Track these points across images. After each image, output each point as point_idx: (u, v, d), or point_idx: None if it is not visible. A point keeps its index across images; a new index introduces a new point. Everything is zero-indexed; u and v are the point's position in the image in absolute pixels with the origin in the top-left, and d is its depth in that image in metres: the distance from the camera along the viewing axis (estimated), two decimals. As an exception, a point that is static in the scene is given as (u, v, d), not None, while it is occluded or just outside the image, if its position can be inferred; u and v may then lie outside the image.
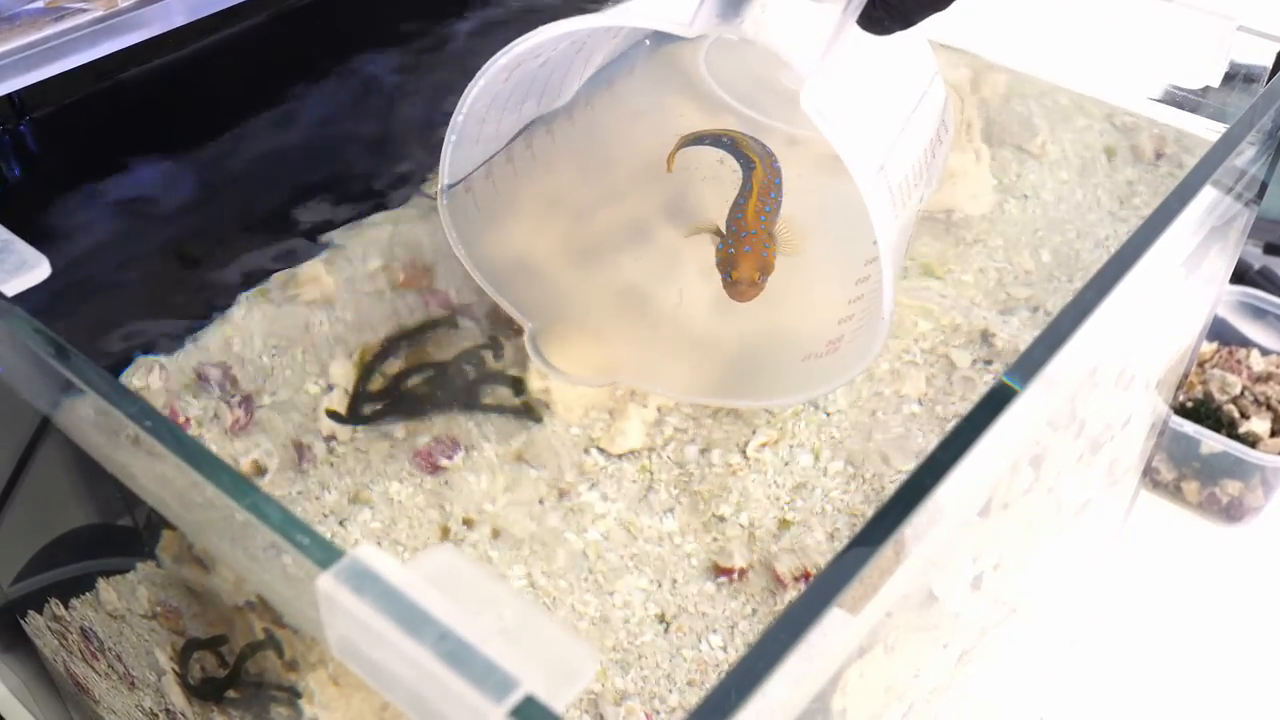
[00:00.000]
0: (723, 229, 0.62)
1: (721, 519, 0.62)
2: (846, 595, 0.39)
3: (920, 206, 0.62)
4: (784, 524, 0.61)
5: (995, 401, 0.43)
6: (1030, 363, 0.45)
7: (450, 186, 0.63)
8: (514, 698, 0.29)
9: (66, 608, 0.67)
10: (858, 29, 0.53)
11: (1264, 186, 0.65)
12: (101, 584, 0.63)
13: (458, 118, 0.61)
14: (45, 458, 0.59)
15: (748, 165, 0.64)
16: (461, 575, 0.33)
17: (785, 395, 0.63)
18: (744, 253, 0.59)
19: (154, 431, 0.36)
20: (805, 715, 0.49)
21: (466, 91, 0.60)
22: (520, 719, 0.29)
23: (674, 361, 0.64)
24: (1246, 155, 0.58)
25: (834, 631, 0.40)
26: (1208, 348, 1.11)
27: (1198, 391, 1.07)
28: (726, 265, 0.60)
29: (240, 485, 0.35)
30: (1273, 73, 0.67)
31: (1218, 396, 1.06)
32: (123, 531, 0.60)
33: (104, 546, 0.63)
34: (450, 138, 0.61)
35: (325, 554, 0.33)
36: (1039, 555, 0.69)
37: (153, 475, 0.40)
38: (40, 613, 0.70)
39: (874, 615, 0.44)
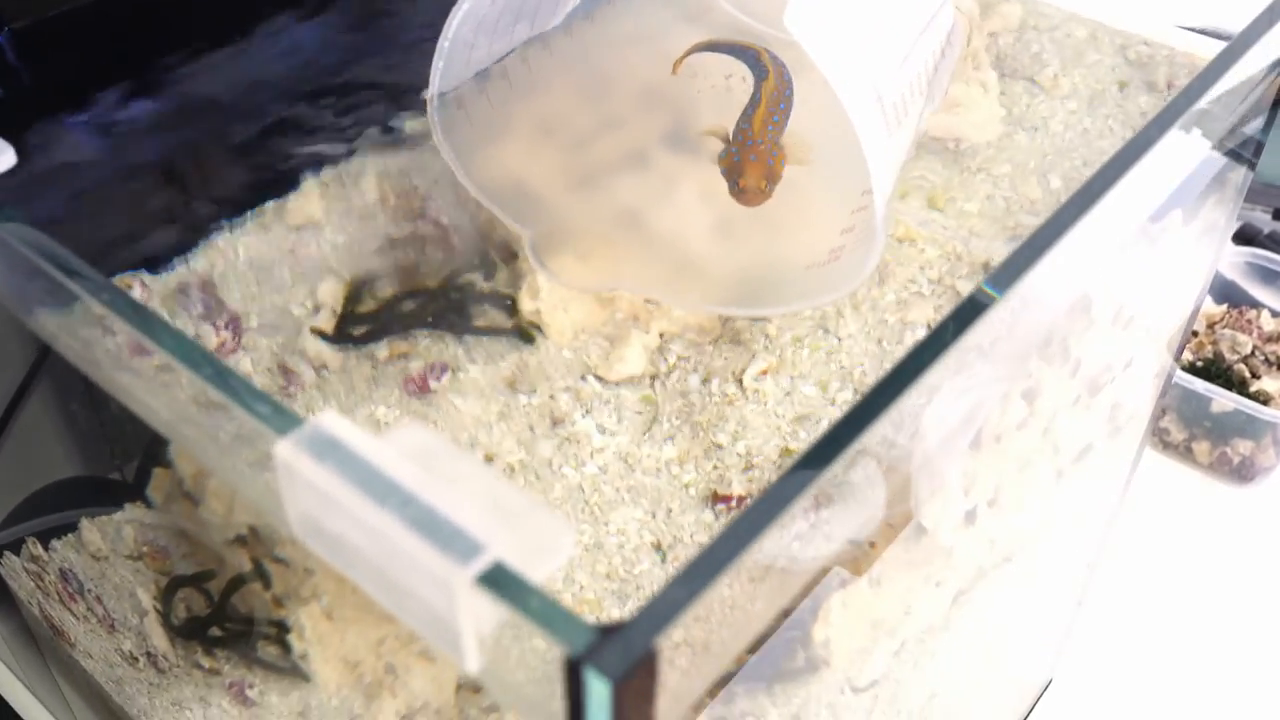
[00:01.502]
0: (730, 135, 0.61)
1: (720, 447, 0.60)
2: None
3: (921, 126, 0.61)
4: (786, 452, 0.60)
5: (972, 308, 0.40)
6: (1011, 270, 0.42)
7: (442, 95, 0.61)
8: (481, 562, 0.27)
9: (46, 549, 0.66)
10: None
11: (1260, 146, 0.63)
12: (85, 525, 0.61)
13: (443, 43, 0.59)
14: (38, 400, 0.58)
15: (760, 75, 0.63)
16: (433, 449, 0.30)
17: (789, 303, 0.61)
18: (750, 161, 0.59)
19: (111, 304, 0.34)
20: (784, 642, 0.47)
21: (451, 16, 0.58)
22: (489, 585, 0.27)
23: (677, 271, 0.63)
24: (1246, 73, 0.56)
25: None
26: (1217, 309, 1.10)
27: (1208, 351, 1.06)
28: (733, 173, 0.59)
29: (198, 353, 0.33)
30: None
31: (1228, 356, 1.05)
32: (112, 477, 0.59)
33: (95, 491, 0.62)
34: (437, 64, 0.60)
35: (284, 421, 0.30)
36: (1037, 499, 0.67)
37: (137, 383, 0.38)
38: (17, 554, 0.69)
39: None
